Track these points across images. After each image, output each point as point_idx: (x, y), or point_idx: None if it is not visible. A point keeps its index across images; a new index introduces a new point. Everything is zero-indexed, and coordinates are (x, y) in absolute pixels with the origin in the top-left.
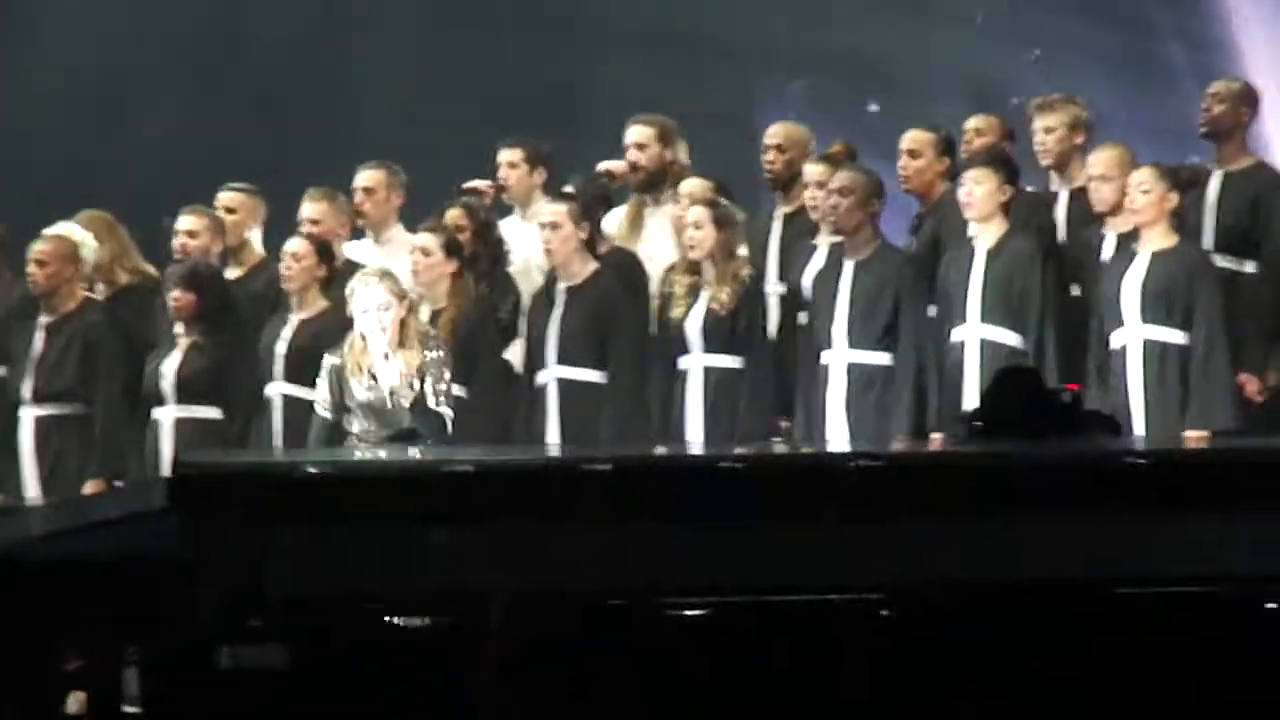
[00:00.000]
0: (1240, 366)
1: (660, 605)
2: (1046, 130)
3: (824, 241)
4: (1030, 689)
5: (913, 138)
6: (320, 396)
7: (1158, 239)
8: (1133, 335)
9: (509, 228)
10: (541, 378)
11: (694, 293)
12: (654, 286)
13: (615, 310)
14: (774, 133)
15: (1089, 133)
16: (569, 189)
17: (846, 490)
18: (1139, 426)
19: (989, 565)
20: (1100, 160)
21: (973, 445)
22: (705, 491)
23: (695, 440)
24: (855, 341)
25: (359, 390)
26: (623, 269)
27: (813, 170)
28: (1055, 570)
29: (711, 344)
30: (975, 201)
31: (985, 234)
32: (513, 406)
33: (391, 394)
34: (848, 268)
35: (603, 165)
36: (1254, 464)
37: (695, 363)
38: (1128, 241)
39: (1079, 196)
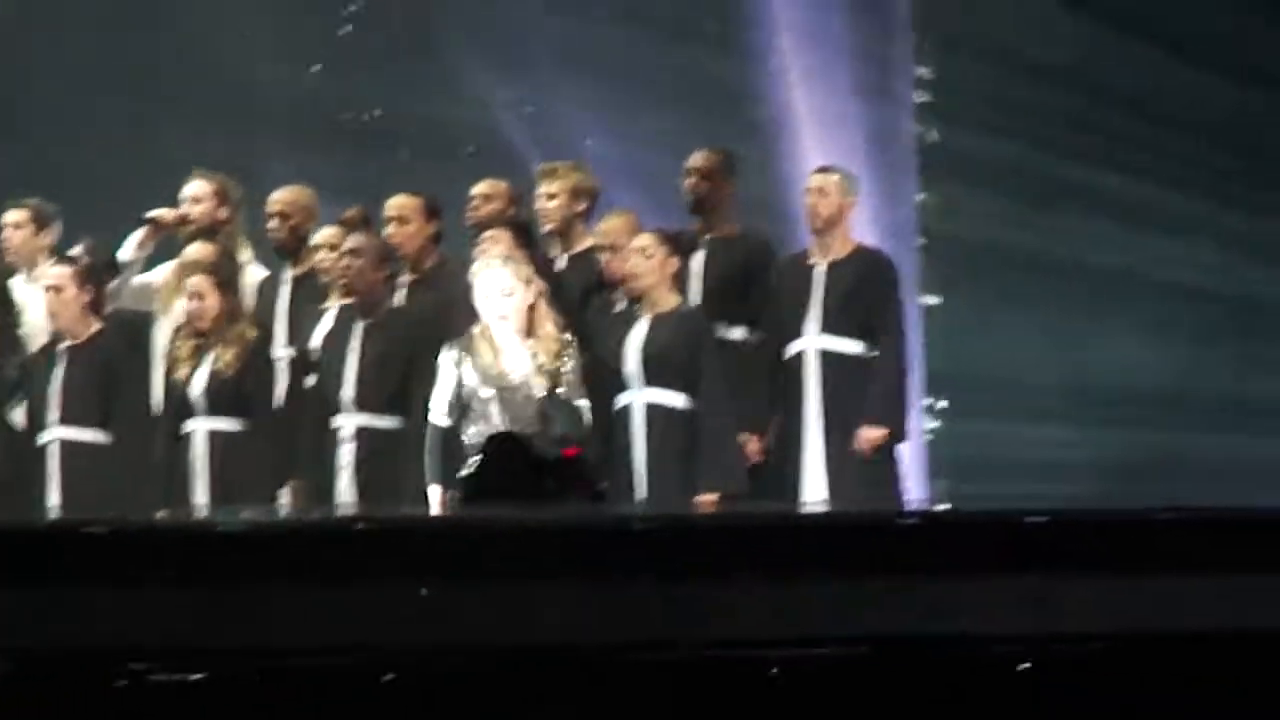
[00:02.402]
0: (741, 427)
1: (169, 667)
2: (549, 196)
3: (334, 304)
4: None
5: (398, 204)
6: (438, 400)
7: (659, 302)
8: (636, 398)
9: (15, 289)
10: (43, 438)
11: (199, 355)
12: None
13: (117, 369)
14: (277, 199)
15: (592, 199)
16: (75, 251)
17: (354, 553)
18: (644, 489)
19: (471, 630)
20: (609, 229)
21: (467, 509)
22: (207, 555)
23: (201, 504)
24: (365, 404)
25: (480, 385)
26: (127, 330)
27: (325, 233)
28: (544, 636)
29: (216, 407)
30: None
31: None
32: (17, 466)
33: (522, 384)
34: (358, 330)
35: (153, 213)
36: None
37: (200, 425)
38: (631, 306)
39: (578, 262)
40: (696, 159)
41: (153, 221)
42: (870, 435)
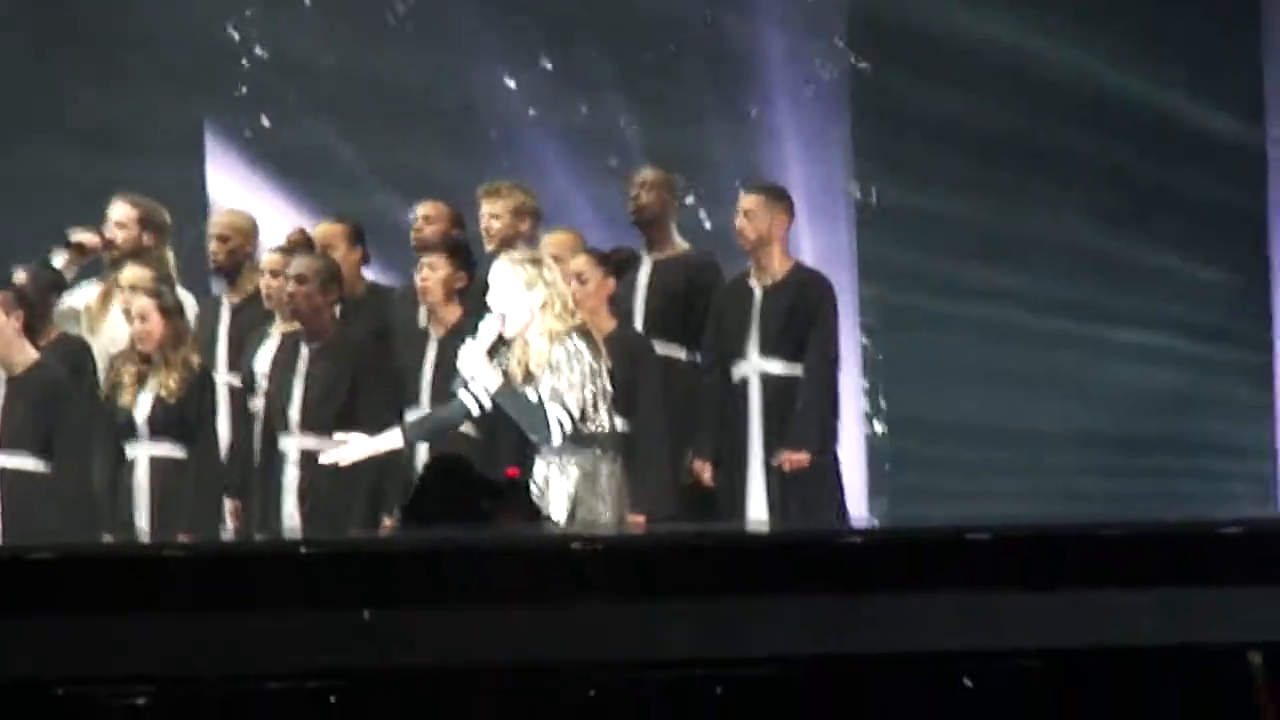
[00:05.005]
0: (695, 452)
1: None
2: (493, 216)
3: (277, 329)
4: None
5: (321, 231)
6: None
7: (598, 326)
8: None
9: None
10: None
11: (142, 380)
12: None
13: (59, 398)
14: (217, 223)
15: (535, 219)
16: (20, 277)
17: (300, 578)
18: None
19: (416, 652)
20: (555, 243)
21: (406, 532)
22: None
23: (143, 530)
24: (311, 428)
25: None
26: (68, 356)
27: (269, 259)
28: (486, 658)
29: (159, 433)
30: (430, 287)
31: (438, 321)
32: None
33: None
34: (304, 353)
35: (76, 235)
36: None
37: (142, 451)
38: None
39: None
40: (644, 174)
41: (78, 245)
42: (791, 458)
